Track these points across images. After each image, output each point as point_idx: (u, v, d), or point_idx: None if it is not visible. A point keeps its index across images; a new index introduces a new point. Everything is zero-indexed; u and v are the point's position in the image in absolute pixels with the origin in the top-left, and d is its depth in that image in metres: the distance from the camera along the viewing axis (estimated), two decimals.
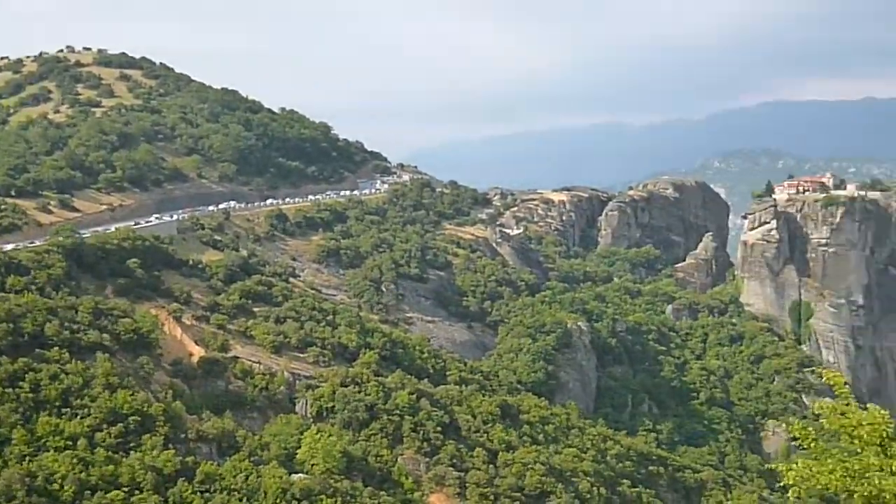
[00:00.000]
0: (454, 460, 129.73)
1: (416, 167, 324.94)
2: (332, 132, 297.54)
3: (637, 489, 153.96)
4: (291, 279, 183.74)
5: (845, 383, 30.06)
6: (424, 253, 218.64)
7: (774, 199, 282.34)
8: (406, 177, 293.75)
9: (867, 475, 26.49)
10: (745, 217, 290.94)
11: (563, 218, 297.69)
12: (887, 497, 26.16)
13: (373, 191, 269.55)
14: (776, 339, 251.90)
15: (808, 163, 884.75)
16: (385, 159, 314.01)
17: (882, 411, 27.72)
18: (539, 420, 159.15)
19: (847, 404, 28.26)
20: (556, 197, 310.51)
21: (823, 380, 30.17)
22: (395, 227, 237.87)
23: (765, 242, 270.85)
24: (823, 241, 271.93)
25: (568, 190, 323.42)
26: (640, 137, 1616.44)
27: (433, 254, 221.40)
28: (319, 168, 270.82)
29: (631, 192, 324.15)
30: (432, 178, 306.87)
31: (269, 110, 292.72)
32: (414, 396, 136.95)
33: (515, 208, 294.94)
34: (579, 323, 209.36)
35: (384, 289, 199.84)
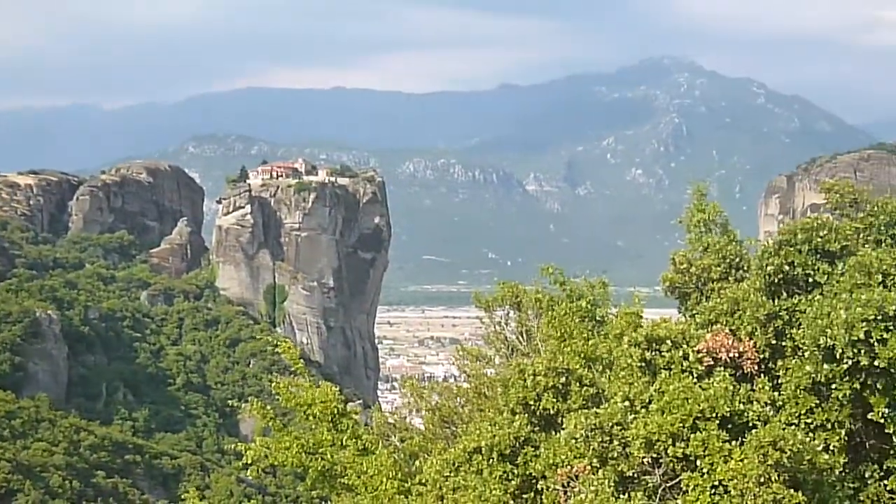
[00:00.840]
0: None
1: None
2: None
3: (113, 479, 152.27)
4: None
5: (301, 358, 31.98)
6: None
7: (249, 185, 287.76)
8: None
9: (321, 450, 28.40)
10: (219, 202, 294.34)
11: (31, 202, 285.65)
12: (338, 469, 28.21)
13: None
14: (252, 322, 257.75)
15: (281, 148, 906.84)
16: None
17: (333, 388, 29.84)
18: (5, 415, 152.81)
19: (304, 381, 30.10)
20: (21, 181, 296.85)
21: (280, 353, 31.87)
22: None
23: (239, 227, 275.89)
24: (296, 225, 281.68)
25: (35, 173, 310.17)
26: (111, 120, 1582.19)
27: None
28: None
29: (103, 177, 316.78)
30: None
31: None
32: None
33: None
34: (49, 311, 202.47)
35: None
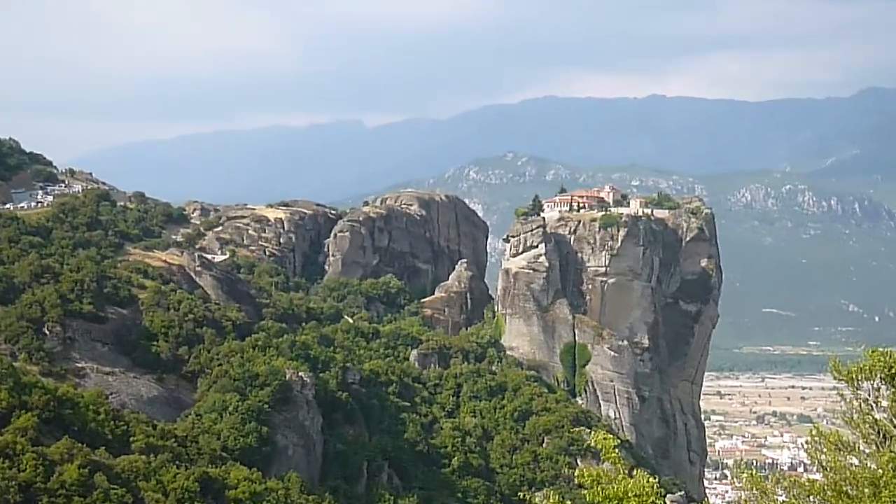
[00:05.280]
0: None
1: (91, 174, 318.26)
2: None
3: None
4: None
5: (615, 447, 31.52)
6: (102, 285, 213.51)
7: (543, 218, 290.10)
8: (78, 186, 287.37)
9: None
10: (507, 240, 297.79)
11: (281, 240, 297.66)
12: None
13: (33, 204, 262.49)
14: (545, 390, 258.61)
15: (583, 173, 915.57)
16: (50, 164, 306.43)
17: (650, 479, 29.38)
18: (250, 497, 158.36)
19: (618, 472, 29.73)
20: (271, 214, 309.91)
21: (593, 443, 31.57)
22: (62, 251, 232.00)
23: (531, 271, 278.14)
24: (602, 269, 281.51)
25: (286, 205, 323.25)
26: (376, 140, 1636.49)
27: (113, 286, 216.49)
28: None
29: (366, 209, 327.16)
30: (113, 188, 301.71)
31: None
32: (86, 470, 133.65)
33: (220, 228, 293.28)
34: (301, 373, 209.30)
35: (47, 331, 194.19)
